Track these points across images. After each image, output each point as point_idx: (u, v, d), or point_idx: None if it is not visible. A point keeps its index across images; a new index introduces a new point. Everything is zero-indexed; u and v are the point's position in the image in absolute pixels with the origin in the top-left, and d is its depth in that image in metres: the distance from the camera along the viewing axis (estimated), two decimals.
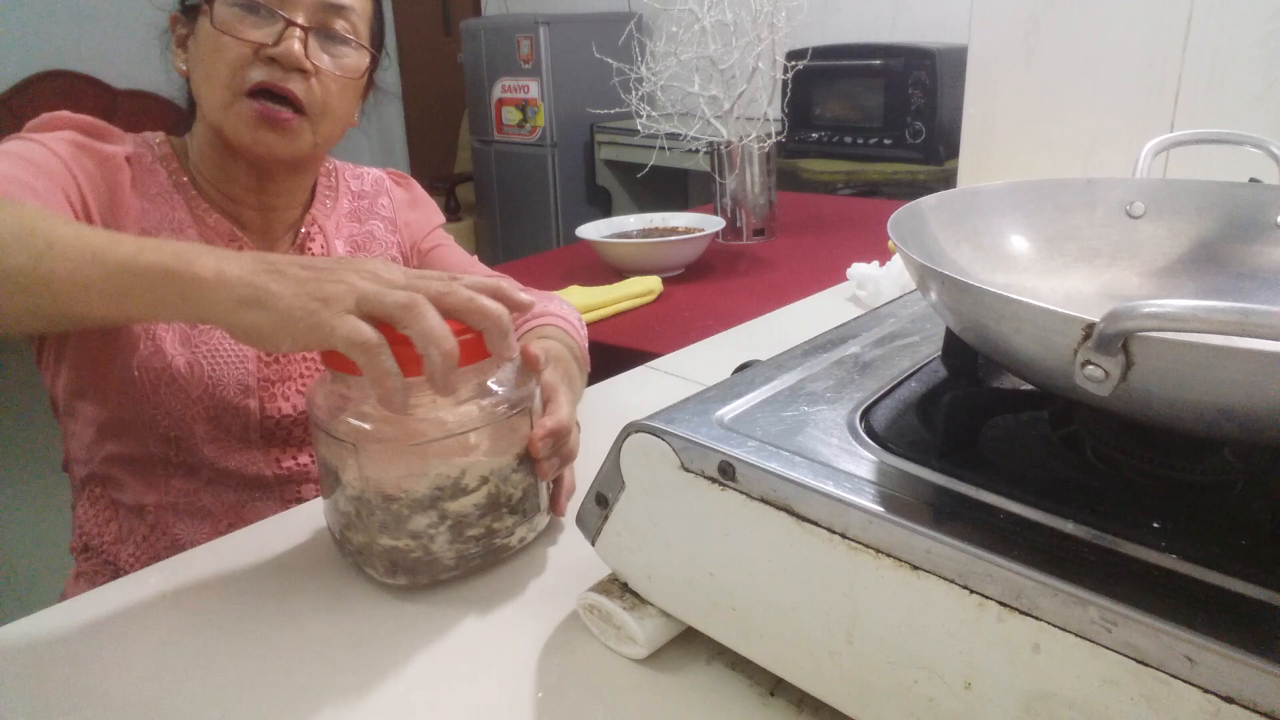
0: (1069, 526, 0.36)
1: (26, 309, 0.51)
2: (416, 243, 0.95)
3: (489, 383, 0.56)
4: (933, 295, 0.43)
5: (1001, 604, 0.34)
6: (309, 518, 0.66)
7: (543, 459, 0.58)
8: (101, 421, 0.76)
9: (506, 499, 0.56)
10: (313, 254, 0.85)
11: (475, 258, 0.98)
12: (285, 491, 0.81)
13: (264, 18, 0.73)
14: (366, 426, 0.52)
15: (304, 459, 0.82)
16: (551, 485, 0.62)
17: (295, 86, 0.74)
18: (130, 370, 0.73)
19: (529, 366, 0.58)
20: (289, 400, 0.80)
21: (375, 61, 0.82)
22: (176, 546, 0.76)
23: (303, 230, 0.86)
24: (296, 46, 0.73)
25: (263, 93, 0.74)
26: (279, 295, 0.49)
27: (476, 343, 0.52)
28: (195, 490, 0.78)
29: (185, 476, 0.78)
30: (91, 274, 0.50)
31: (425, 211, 0.97)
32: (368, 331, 0.48)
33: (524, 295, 0.55)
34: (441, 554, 0.55)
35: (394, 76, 4.71)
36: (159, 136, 0.82)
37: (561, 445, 0.59)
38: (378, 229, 0.92)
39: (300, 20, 0.74)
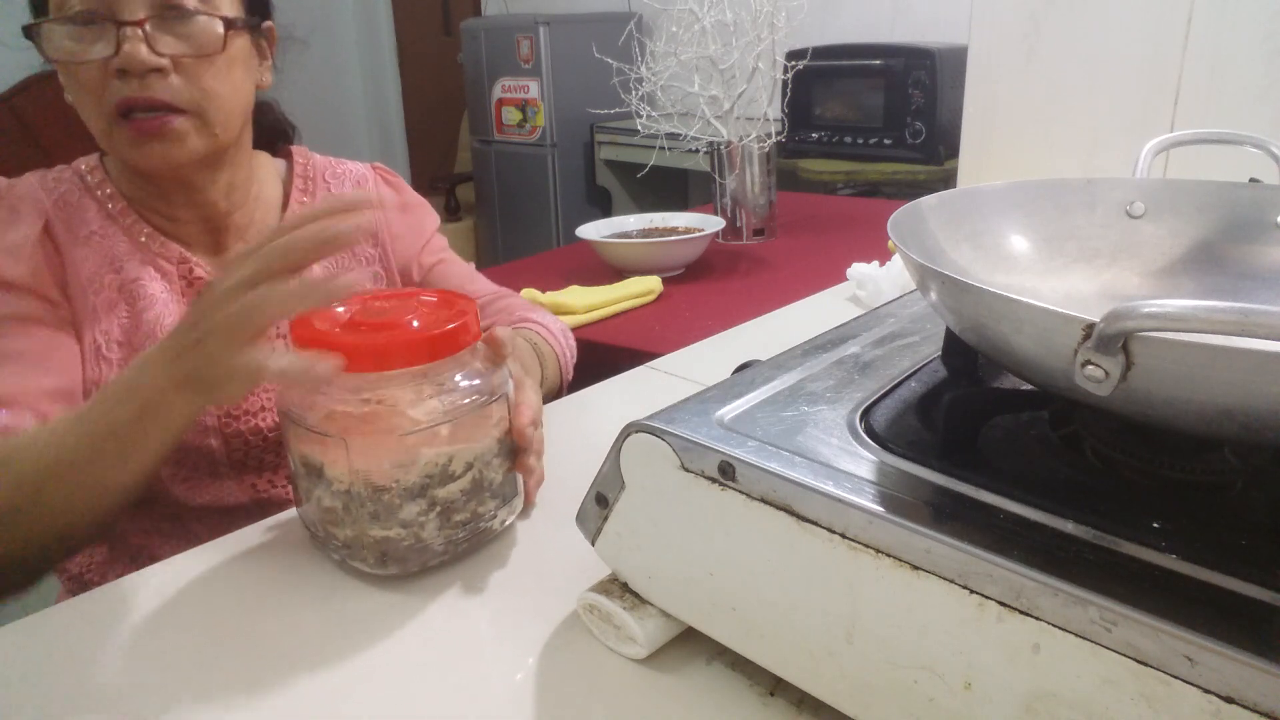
0: (1069, 526, 0.36)
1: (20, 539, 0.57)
2: (415, 256, 0.89)
3: (465, 372, 0.57)
4: (933, 295, 0.43)
5: (1001, 604, 0.34)
6: (291, 524, 0.66)
7: (528, 445, 0.59)
8: None
9: (489, 483, 0.58)
10: None
11: (472, 265, 0.96)
12: (268, 514, 0.79)
13: (100, 27, 0.65)
14: (356, 421, 0.53)
15: (281, 484, 0.80)
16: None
17: (158, 90, 0.66)
18: None
19: (492, 348, 0.57)
20: (256, 427, 0.77)
21: (234, 22, 0.70)
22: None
23: None
24: (138, 49, 0.65)
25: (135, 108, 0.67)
26: (191, 379, 0.53)
27: (459, 333, 0.55)
28: (180, 516, 0.77)
29: (169, 507, 0.77)
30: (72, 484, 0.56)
31: (418, 216, 0.91)
32: (272, 364, 0.50)
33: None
34: (431, 540, 0.56)
35: (393, 76, 4.71)
36: (92, 161, 0.76)
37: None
38: (358, 245, 0.85)
39: (138, 16, 0.65)
